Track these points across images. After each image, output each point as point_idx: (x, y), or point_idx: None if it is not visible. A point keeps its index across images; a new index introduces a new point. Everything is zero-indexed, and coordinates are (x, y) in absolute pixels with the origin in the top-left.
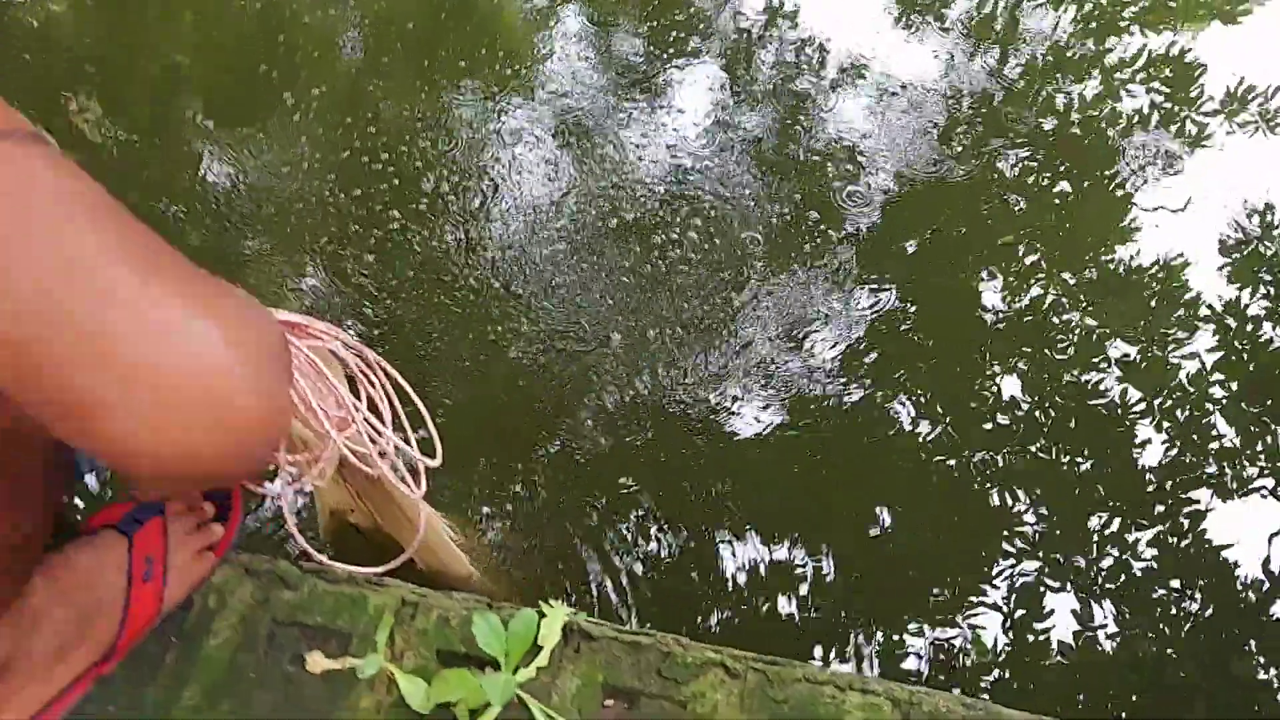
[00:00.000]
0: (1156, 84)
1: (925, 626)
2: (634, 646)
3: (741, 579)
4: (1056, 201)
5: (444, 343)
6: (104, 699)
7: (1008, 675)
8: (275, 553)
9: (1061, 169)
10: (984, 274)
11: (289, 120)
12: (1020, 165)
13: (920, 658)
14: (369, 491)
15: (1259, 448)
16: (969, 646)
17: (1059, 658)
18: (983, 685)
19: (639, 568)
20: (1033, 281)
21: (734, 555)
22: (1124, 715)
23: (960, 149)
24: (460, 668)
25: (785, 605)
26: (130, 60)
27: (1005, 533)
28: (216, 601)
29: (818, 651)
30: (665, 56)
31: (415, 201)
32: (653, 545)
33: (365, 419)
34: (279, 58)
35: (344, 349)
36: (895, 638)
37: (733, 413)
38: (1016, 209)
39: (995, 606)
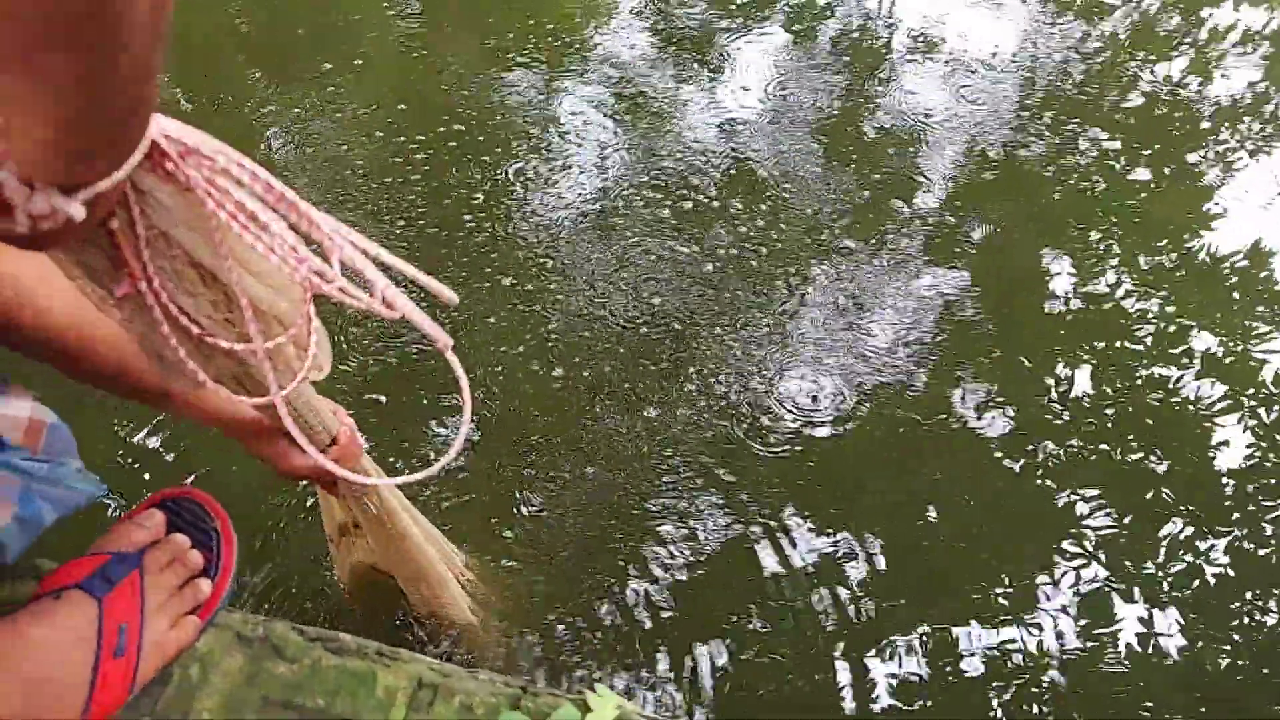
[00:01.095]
0: (1252, 62)
1: (982, 628)
2: None
3: (785, 575)
4: (1137, 186)
5: (485, 333)
6: None
7: (1066, 681)
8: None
9: (1144, 152)
10: (1057, 260)
11: (341, 88)
12: (1100, 147)
13: (975, 659)
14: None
15: None
16: (1028, 649)
17: (1122, 665)
18: (1040, 690)
19: (669, 568)
20: (1108, 268)
21: (779, 549)
22: None
23: (1037, 128)
24: None
25: (843, 596)
26: (189, 22)
27: (1069, 533)
28: (199, 674)
29: (868, 653)
30: (726, 29)
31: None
32: (686, 552)
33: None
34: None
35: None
36: (950, 638)
37: (785, 403)
38: (1094, 192)
39: (1057, 609)
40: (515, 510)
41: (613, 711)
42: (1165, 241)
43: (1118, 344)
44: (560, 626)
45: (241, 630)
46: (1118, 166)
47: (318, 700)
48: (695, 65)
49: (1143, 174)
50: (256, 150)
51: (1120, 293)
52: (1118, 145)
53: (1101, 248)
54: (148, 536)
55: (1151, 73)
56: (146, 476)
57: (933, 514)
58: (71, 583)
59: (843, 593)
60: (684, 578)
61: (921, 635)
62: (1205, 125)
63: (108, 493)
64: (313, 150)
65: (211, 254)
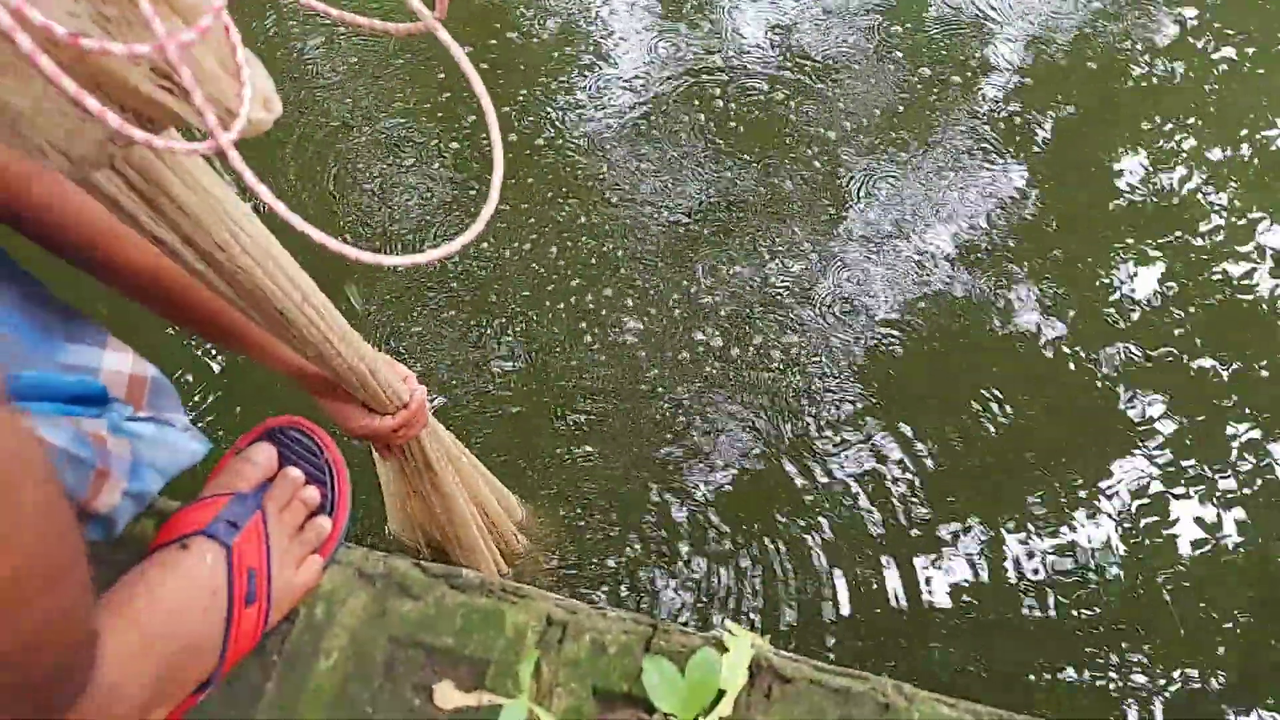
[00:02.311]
0: None
1: (1038, 528)
2: (842, 695)
3: (836, 479)
4: (1216, 70)
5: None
6: None
7: (1124, 580)
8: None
9: (1228, 31)
10: (1126, 152)
11: None
12: (1178, 25)
13: (1030, 560)
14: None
15: None
16: (1086, 550)
17: (1182, 565)
18: (1097, 589)
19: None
20: (1180, 160)
21: (830, 454)
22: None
23: (1109, 7)
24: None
25: (896, 499)
26: None
27: (1131, 436)
28: (325, 613)
29: (921, 555)
30: None
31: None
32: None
33: None
34: None
35: None
36: (1005, 540)
37: (846, 304)
38: (1171, 78)
39: (1117, 511)
40: (569, 438)
41: (749, 650)
42: (1243, 130)
43: (1186, 241)
44: (615, 555)
45: (363, 567)
46: (1197, 48)
47: (446, 639)
48: None
49: (1227, 54)
50: (279, 67)
51: (1191, 186)
52: (1197, 24)
53: (1174, 138)
54: (262, 474)
55: None
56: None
57: (989, 418)
58: (197, 529)
59: (896, 495)
60: (733, 490)
61: (976, 536)
62: None
63: (211, 450)
64: (348, 66)
65: None
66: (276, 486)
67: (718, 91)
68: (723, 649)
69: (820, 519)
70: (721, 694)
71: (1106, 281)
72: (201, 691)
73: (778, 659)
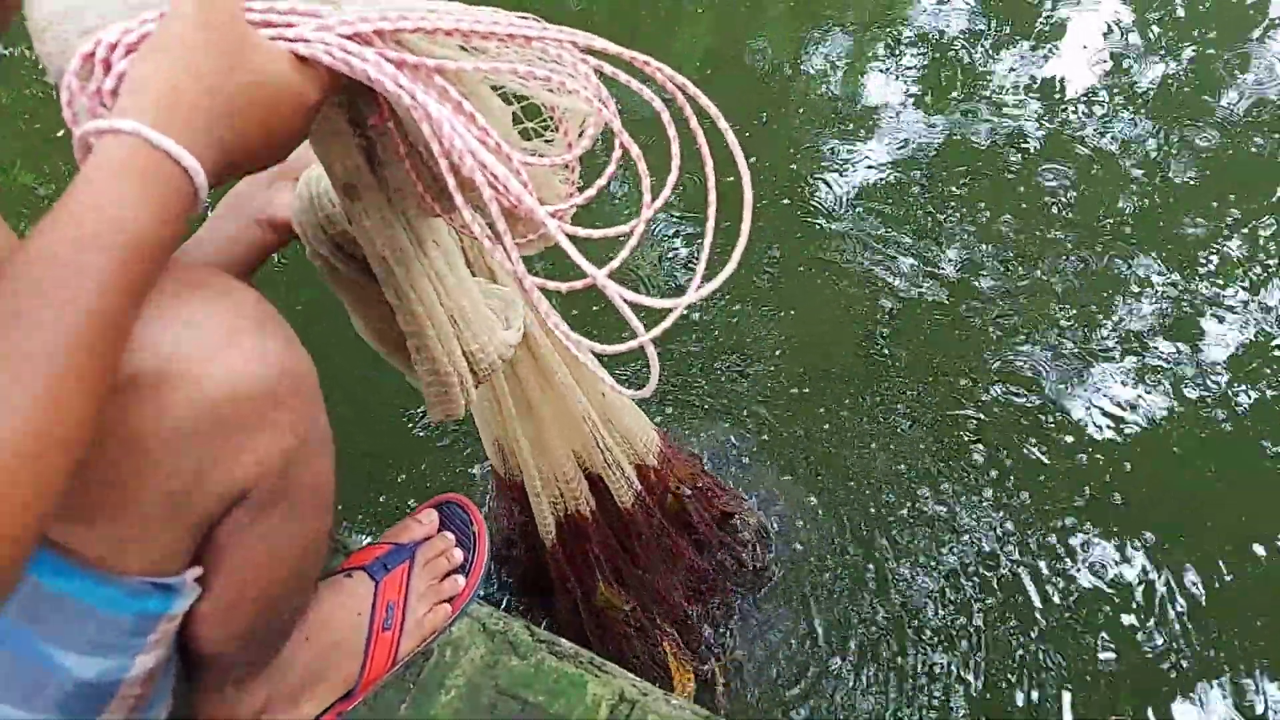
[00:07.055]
0: None
1: None
2: None
3: (1091, 600)
4: None
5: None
6: None
7: None
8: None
9: None
10: None
11: None
12: None
13: None
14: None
15: None
16: None
17: None
18: None
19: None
20: None
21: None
22: None
23: None
24: None
25: (1158, 634)
26: None
27: None
28: (451, 656)
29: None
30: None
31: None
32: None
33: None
34: None
35: None
36: None
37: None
38: None
39: None
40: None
41: None
42: None
43: None
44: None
45: (487, 623)
46: None
47: (539, 697)
48: (1018, 38)
49: None
50: None
51: None
52: None
53: None
54: (424, 532)
55: None
56: None
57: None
58: (359, 565)
59: (1157, 630)
60: (969, 602)
61: (1255, 674)
62: None
63: None
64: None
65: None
66: (430, 544)
67: (985, 174)
68: None
69: (1068, 655)
70: None
71: None
72: (347, 701)
73: None
